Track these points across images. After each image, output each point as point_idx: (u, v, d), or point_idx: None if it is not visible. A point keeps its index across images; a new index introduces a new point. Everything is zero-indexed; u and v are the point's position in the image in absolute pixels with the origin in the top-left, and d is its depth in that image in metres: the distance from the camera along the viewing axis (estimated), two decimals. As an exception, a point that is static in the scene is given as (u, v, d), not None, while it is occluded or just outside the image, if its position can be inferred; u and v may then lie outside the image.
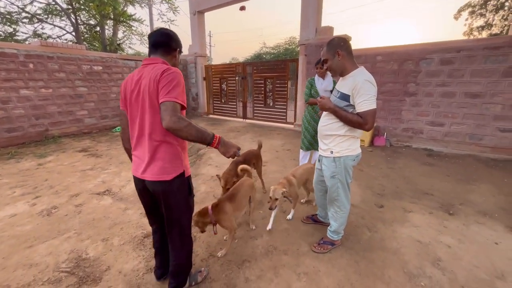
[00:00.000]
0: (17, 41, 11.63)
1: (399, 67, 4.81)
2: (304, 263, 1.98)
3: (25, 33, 12.12)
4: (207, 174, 3.78)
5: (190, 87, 9.16)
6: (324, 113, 1.95)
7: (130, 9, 13.53)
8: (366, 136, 5.03)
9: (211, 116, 8.93)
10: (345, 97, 1.76)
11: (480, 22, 13.46)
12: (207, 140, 1.24)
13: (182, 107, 1.24)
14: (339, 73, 1.84)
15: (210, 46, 28.21)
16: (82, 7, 12.17)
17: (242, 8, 7.44)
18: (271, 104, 7.24)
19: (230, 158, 1.39)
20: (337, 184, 1.94)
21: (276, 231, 2.39)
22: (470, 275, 1.86)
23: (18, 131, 5.02)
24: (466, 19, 14.01)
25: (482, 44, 4.06)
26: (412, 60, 4.65)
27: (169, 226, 1.51)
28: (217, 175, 2.80)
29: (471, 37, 13.47)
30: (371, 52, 5.06)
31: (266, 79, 7.09)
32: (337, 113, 1.78)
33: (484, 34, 13.29)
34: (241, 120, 7.95)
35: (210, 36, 28.39)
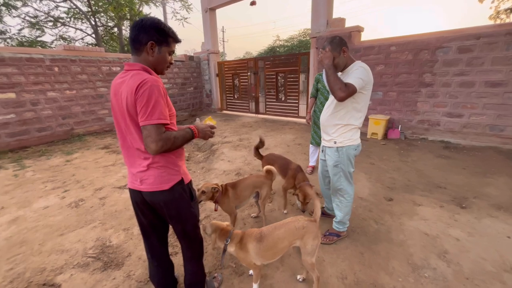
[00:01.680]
0: (43, 45, 12.38)
1: (414, 57, 4.65)
2: (309, 253, 2.06)
3: (52, 35, 12.88)
4: (220, 169, 3.93)
5: (204, 84, 9.35)
6: (326, 105, 2.04)
7: (145, 9, 14.00)
8: (380, 129, 4.96)
9: (224, 112, 9.09)
10: None
11: (508, 4, 12.43)
12: (191, 138, 1.29)
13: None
14: (342, 68, 1.91)
15: (223, 41, 28.30)
16: (101, 9, 12.66)
17: (253, 3, 7.45)
18: (283, 99, 7.25)
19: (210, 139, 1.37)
20: (339, 173, 2.02)
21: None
22: (476, 267, 1.86)
23: (47, 130, 5.45)
24: (492, 2, 12.98)
25: (504, 29, 3.83)
26: (428, 50, 4.48)
27: (178, 236, 1.51)
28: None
29: (498, 21, 12.51)
30: (384, 43, 4.92)
31: (278, 73, 7.09)
32: (330, 69, 1.79)
33: (513, 17, 12.31)
34: (254, 115, 8.03)
35: (223, 31, 28.47)
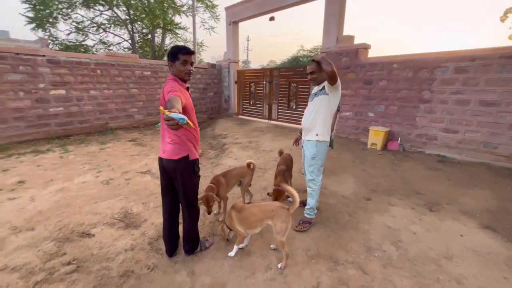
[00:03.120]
0: (86, 48, 13.93)
1: (414, 75, 4.97)
2: (285, 231, 2.53)
3: (93, 40, 14.41)
4: (226, 165, 4.49)
5: (223, 90, 10.10)
6: (307, 111, 2.54)
7: (176, 18, 15.31)
8: (379, 140, 5.27)
9: (240, 116, 9.72)
10: (322, 90, 2.42)
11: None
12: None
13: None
14: (320, 82, 2.45)
15: (248, 50, 29.38)
16: (138, 18, 14.05)
17: (272, 19, 8.09)
18: (294, 107, 7.72)
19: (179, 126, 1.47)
20: (315, 165, 2.52)
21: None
22: (421, 253, 2.23)
23: (87, 123, 6.39)
24: None
25: (499, 53, 4.07)
26: (427, 68, 4.78)
27: (180, 198, 1.99)
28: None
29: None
30: (387, 60, 5.28)
31: (290, 83, 7.61)
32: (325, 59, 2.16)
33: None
34: (266, 121, 8.57)
35: (248, 40, 29.59)
